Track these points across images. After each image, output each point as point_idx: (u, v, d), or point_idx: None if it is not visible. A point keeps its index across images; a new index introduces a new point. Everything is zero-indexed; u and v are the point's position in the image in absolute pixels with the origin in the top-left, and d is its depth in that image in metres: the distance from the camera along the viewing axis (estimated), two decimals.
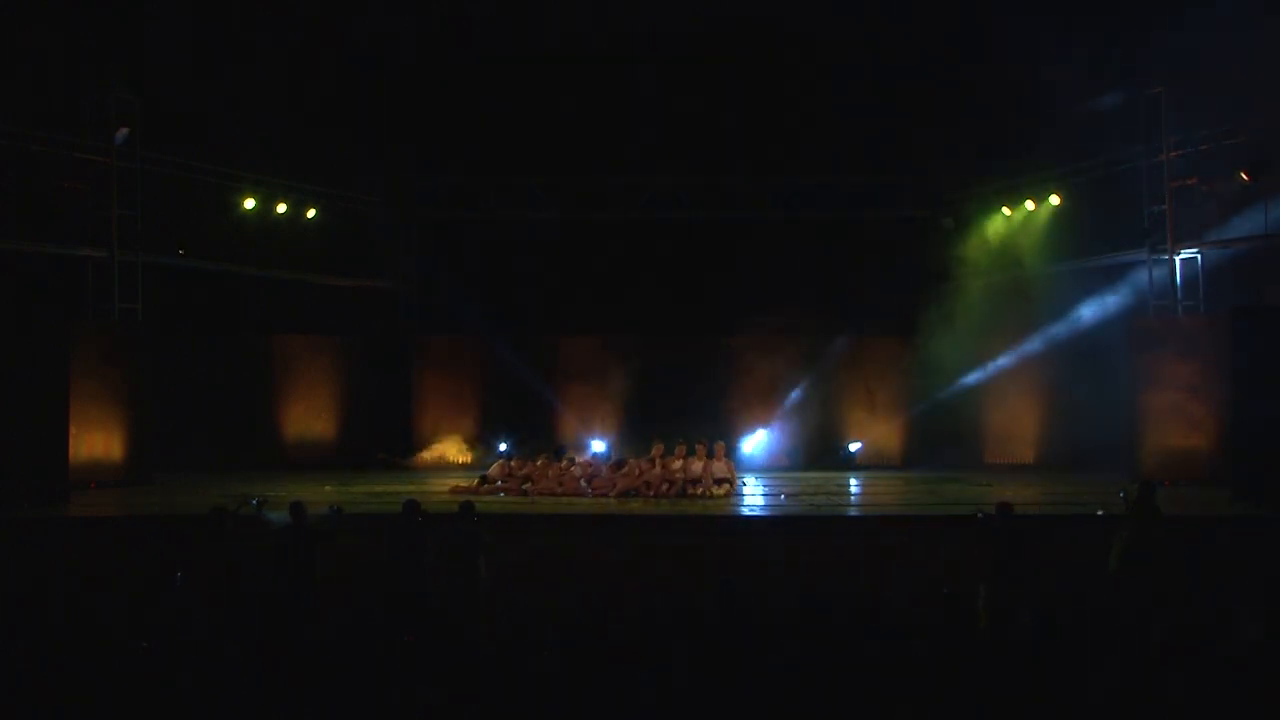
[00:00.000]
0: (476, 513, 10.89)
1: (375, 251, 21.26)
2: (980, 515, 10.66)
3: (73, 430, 15.22)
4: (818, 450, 20.16)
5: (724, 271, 20.65)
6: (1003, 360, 19.83)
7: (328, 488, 16.22)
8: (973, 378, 19.98)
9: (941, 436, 20.10)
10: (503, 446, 19.82)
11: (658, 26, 19.05)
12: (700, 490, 15.25)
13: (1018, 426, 19.91)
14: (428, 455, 20.45)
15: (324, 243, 20.29)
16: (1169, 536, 10.23)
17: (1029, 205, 19.01)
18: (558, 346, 20.78)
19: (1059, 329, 19.11)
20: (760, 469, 19.32)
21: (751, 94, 20.08)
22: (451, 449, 20.52)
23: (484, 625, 9.97)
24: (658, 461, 15.67)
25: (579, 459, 16.62)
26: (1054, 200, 18.58)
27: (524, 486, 15.81)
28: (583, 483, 15.70)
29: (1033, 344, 19.70)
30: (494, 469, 16.62)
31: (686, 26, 19.21)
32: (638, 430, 19.23)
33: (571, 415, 20.32)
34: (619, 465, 16.06)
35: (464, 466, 19.73)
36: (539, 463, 16.38)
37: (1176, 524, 11.25)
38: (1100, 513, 11.61)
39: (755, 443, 20.04)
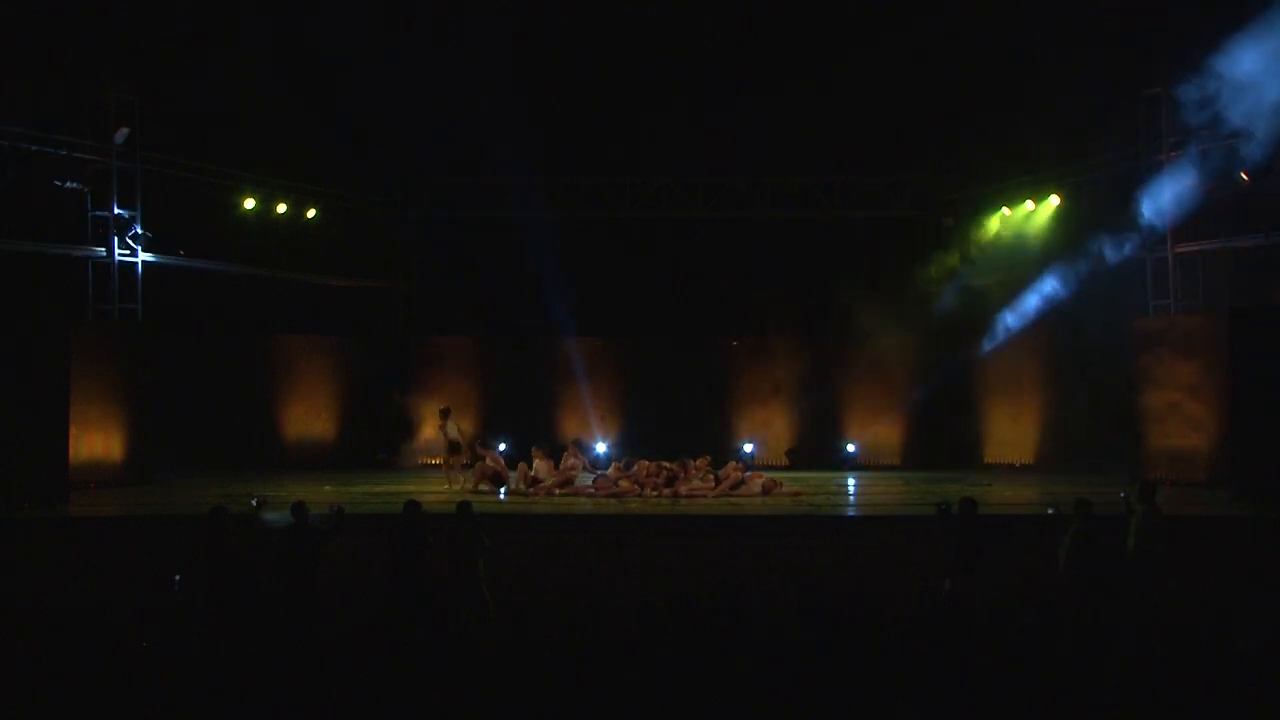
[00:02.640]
0: (475, 513, 10.90)
1: (375, 251, 21.27)
2: (942, 507, 10.73)
3: (73, 430, 15.21)
4: (817, 450, 20.16)
5: (724, 271, 20.65)
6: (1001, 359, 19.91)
7: (328, 488, 16.22)
8: (970, 376, 20.04)
9: (941, 437, 20.10)
10: (501, 446, 19.84)
11: (658, 27, 19.08)
12: (687, 491, 15.40)
13: (1018, 426, 19.91)
14: (426, 455, 20.46)
15: (324, 243, 20.30)
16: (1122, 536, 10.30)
17: (1029, 205, 19.03)
18: (558, 346, 20.77)
19: (1058, 327, 19.17)
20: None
21: (752, 93, 20.07)
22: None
23: (484, 625, 9.98)
24: (691, 469, 15.77)
25: (576, 461, 16.62)
26: (1054, 200, 18.59)
27: (528, 489, 15.87)
28: (586, 480, 15.75)
29: (1031, 343, 19.75)
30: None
31: (687, 26, 19.23)
32: (638, 430, 19.26)
33: (571, 415, 20.31)
34: (627, 466, 16.09)
35: (463, 467, 19.72)
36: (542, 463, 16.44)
37: (1175, 524, 11.26)
38: (1050, 511, 11.67)
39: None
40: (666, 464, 15.84)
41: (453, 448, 17.24)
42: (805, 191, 21.00)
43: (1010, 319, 18.96)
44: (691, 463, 15.91)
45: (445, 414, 17.35)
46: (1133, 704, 6.40)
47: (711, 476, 15.74)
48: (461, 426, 17.41)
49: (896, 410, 20.22)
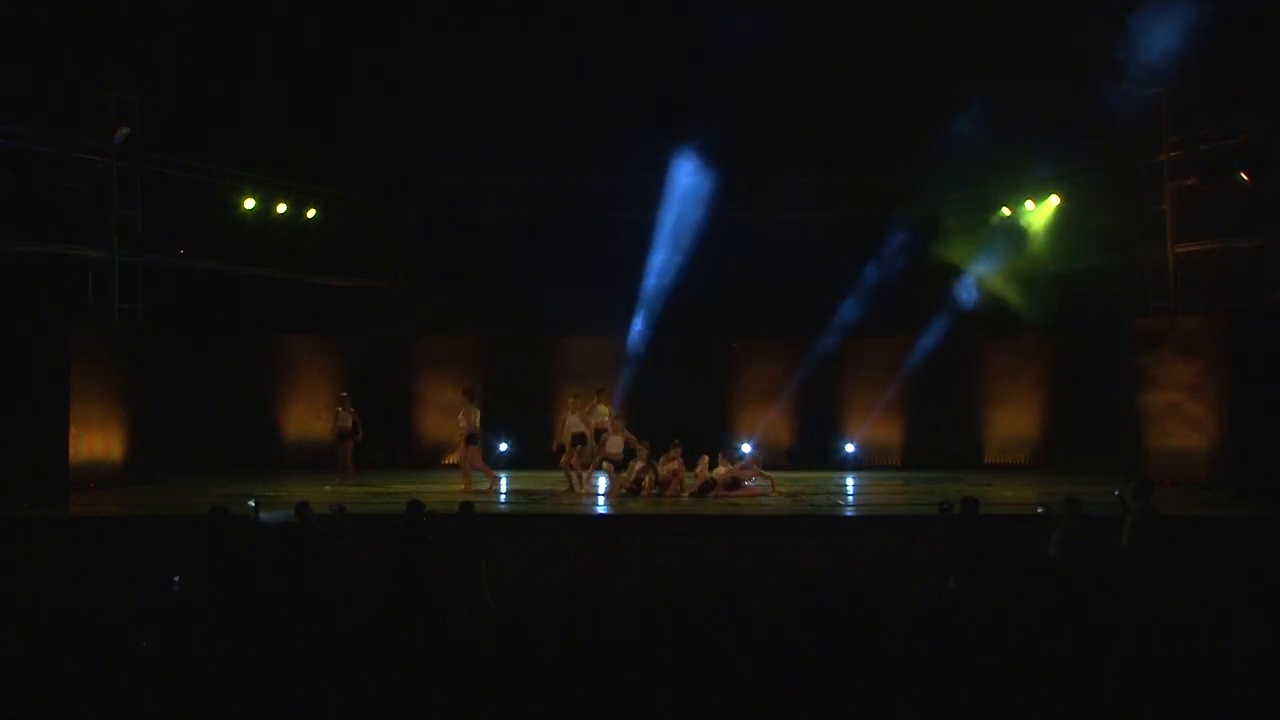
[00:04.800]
0: (477, 513, 10.91)
1: (375, 251, 21.26)
2: (945, 507, 10.76)
3: (73, 430, 15.21)
4: (817, 450, 20.17)
5: (724, 271, 20.60)
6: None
7: (328, 487, 16.24)
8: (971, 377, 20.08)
9: (941, 437, 20.11)
10: (503, 447, 19.83)
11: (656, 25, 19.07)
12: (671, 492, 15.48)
13: (1018, 427, 19.92)
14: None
15: (324, 243, 20.29)
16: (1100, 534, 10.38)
17: (1029, 205, 19.02)
18: (557, 346, 20.75)
19: (1058, 327, 19.20)
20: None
21: (751, 93, 20.03)
22: (451, 449, 20.52)
23: (485, 625, 9.98)
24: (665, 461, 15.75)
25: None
26: (1054, 200, 18.58)
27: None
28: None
29: (1031, 343, 19.78)
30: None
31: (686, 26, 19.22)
32: (638, 431, 19.22)
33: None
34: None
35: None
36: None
37: (1175, 524, 11.28)
38: (1041, 510, 11.73)
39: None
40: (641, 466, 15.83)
41: (342, 435, 17.38)
42: (805, 191, 20.97)
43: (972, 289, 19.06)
44: (665, 456, 15.85)
45: (345, 400, 17.49)
46: (1133, 704, 6.40)
47: (704, 474, 15.72)
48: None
49: (894, 409, 20.25)
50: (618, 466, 15.72)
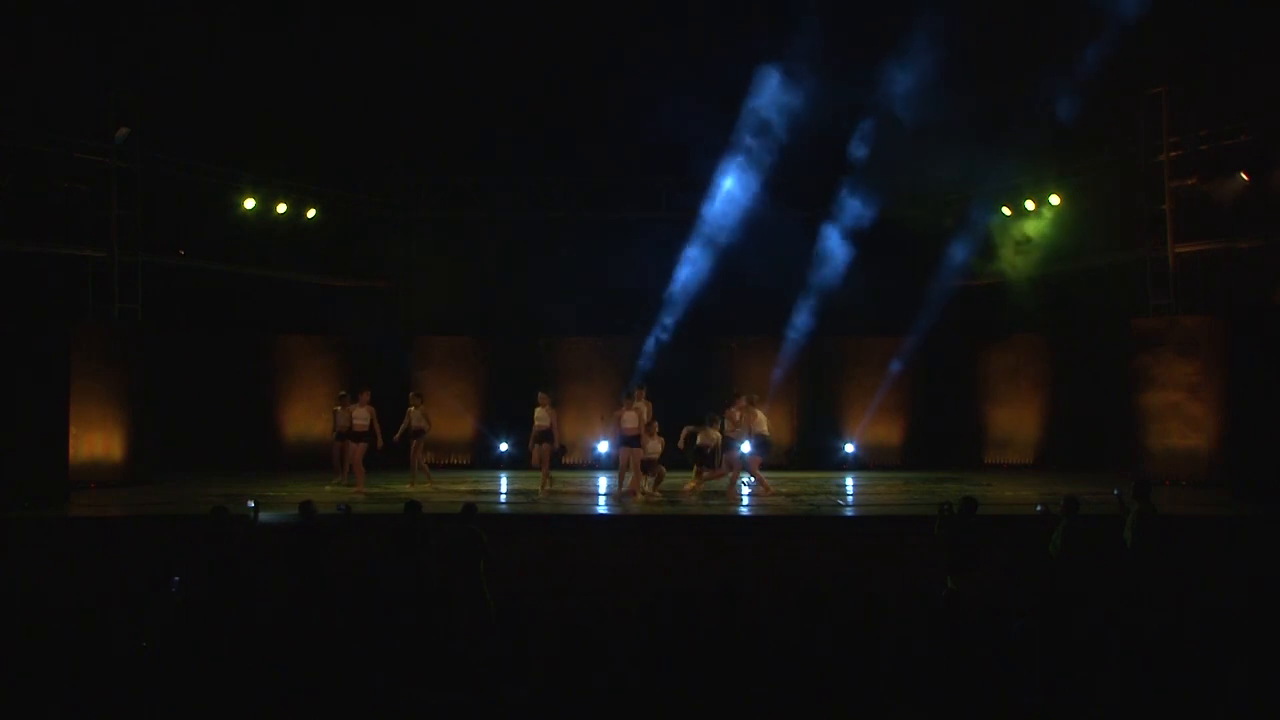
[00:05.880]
0: (478, 513, 10.91)
1: (375, 251, 21.26)
2: (944, 507, 10.81)
3: (73, 430, 15.22)
4: (817, 450, 20.18)
5: (724, 271, 20.60)
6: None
7: (328, 488, 16.25)
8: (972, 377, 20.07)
9: (941, 437, 20.12)
10: (503, 447, 19.83)
11: (655, 28, 19.08)
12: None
13: (1018, 427, 19.93)
14: (425, 456, 20.43)
15: (324, 243, 20.30)
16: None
17: (1029, 205, 19.02)
18: (557, 346, 20.76)
19: (1058, 327, 19.20)
20: None
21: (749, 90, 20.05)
22: (451, 449, 20.54)
23: (484, 626, 9.98)
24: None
25: None
26: (1054, 200, 18.58)
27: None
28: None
29: (1031, 343, 19.78)
30: None
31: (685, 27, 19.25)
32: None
33: (576, 416, 20.27)
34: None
35: (463, 467, 19.76)
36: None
37: (1174, 523, 11.29)
38: (1039, 509, 11.80)
39: None
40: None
41: (340, 435, 17.18)
42: (804, 191, 20.97)
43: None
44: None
45: (343, 400, 17.28)
46: (1132, 704, 6.40)
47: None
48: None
49: (894, 409, 20.25)
50: (650, 468, 15.62)
